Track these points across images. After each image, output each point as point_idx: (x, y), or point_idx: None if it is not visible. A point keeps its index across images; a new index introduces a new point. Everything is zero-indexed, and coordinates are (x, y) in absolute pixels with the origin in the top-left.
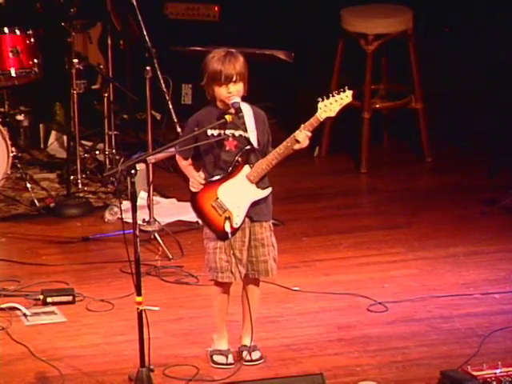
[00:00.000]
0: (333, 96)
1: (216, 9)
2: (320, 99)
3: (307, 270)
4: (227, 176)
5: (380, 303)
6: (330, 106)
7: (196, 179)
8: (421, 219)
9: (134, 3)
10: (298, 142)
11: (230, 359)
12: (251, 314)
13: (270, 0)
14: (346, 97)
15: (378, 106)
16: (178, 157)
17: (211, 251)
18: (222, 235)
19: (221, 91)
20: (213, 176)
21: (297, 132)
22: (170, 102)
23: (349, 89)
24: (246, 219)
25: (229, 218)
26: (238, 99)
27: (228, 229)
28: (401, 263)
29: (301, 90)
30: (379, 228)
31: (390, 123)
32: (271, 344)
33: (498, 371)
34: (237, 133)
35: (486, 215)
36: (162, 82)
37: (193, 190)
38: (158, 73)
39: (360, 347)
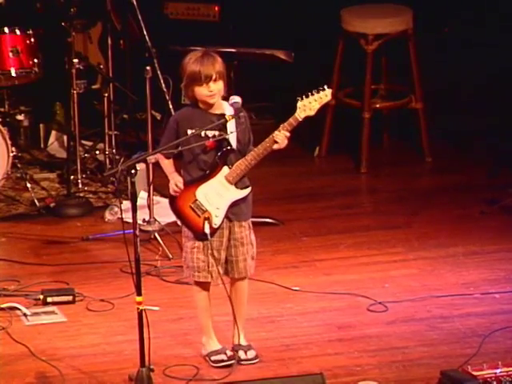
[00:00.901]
0: (312, 95)
1: (216, 9)
2: (299, 98)
3: (307, 269)
4: (206, 177)
5: (380, 303)
6: (309, 106)
7: (173, 186)
8: (421, 219)
9: (134, 3)
10: (276, 142)
11: (230, 354)
12: (240, 313)
13: (270, 0)
14: (325, 96)
15: (378, 105)
16: (159, 155)
17: (189, 250)
18: (201, 236)
19: (201, 91)
20: (192, 176)
21: (275, 132)
22: (170, 102)
23: (328, 87)
24: (225, 219)
25: (208, 219)
26: (238, 99)
27: (207, 230)
28: (401, 263)
29: (301, 90)
30: (379, 228)
31: (390, 123)
32: (271, 344)
33: (498, 371)
34: (217, 133)
35: (486, 215)
36: (162, 81)
37: (172, 193)
38: (158, 73)
39: (360, 347)
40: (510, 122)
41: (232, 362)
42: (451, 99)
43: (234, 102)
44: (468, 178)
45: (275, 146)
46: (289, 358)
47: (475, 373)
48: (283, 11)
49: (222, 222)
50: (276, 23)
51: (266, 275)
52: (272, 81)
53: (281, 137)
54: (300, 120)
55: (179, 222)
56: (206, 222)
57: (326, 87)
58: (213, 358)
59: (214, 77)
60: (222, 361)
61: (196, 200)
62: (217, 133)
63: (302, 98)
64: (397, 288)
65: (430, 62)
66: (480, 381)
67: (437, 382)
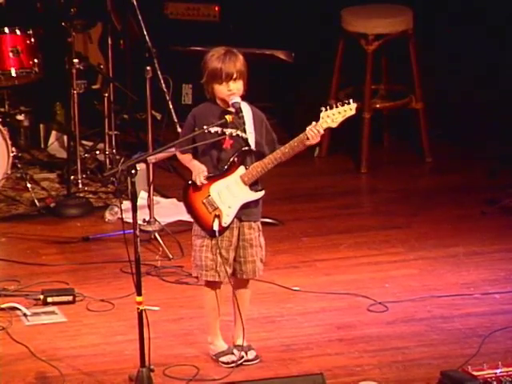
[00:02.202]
0: (336, 107)
1: (216, 9)
2: (323, 109)
3: (307, 269)
4: (221, 175)
5: (380, 303)
6: (332, 117)
7: (200, 175)
8: (421, 219)
9: (135, 3)
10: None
11: (238, 354)
12: (241, 314)
13: (270, 0)
14: (349, 109)
15: (378, 106)
16: (177, 152)
17: (197, 248)
18: (209, 232)
19: (221, 89)
20: (207, 173)
21: (305, 137)
22: (170, 102)
23: (354, 101)
24: (235, 219)
25: (218, 217)
26: (238, 99)
27: (216, 227)
28: (401, 263)
29: (301, 91)
30: (379, 228)
31: (391, 123)
32: (271, 344)
33: (498, 371)
34: (235, 132)
35: (486, 215)
36: (162, 81)
37: (198, 182)
38: (159, 73)
39: (360, 347)
40: (510, 121)
41: (242, 360)
42: (451, 100)
43: (235, 102)
44: (468, 179)
45: (308, 140)
46: (289, 358)
47: (475, 373)
48: (283, 11)
49: (232, 221)
50: (276, 23)
51: (266, 275)
52: (272, 81)
53: (298, 149)
54: (321, 131)
55: (189, 216)
56: (216, 220)
57: (351, 101)
58: (222, 359)
59: (234, 76)
60: (233, 362)
61: (209, 196)
62: (234, 131)
63: (327, 109)
64: (397, 288)
65: (430, 62)
66: (480, 381)
67: (437, 382)
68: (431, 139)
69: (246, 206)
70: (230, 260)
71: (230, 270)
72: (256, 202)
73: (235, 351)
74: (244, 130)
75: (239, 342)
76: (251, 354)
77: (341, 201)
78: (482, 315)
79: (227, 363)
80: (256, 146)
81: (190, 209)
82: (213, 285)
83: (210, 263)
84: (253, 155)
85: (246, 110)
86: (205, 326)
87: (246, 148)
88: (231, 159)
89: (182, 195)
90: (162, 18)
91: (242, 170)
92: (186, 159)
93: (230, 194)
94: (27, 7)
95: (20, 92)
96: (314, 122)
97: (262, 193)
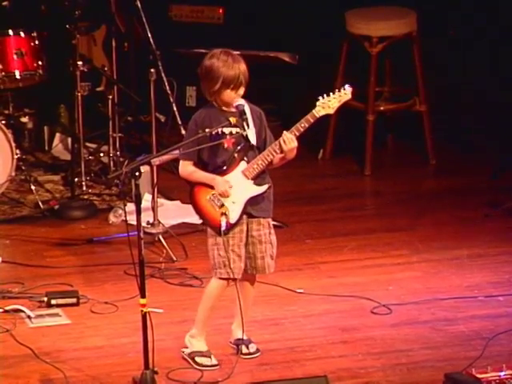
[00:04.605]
0: (333, 94)
1: (220, 11)
2: (320, 97)
3: (311, 272)
4: (224, 171)
5: (384, 305)
6: (328, 103)
7: (226, 188)
8: (425, 221)
9: (139, 5)
10: (284, 142)
11: (214, 360)
12: (241, 309)
13: (274, 2)
14: (344, 94)
15: (382, 108)
16: (184, 165)
17: (210, 247)
18: (218, 230)
19: (231, 94)
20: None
21: (287, 132)
22: (174, 105)
23: (349, 87)
24: (244, 216)
25: (225, 214)
26: (242, 101)
27: (224, 224)
28: (405, 265)
29: (305, 93)
30: (383, 230)
31: (394, 125)
32: (275, 346)
33: (502, 374)
34: (234, 130)
35: (490, 218)
36: (166, 84)
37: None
38: (163, 75)
39: (364, 349)
40: None
41: (216, 368)
42: (455, 101)
43: (239, 105)
44: (472, 181)
45: (282, 146)
46: (293, 361)
47: (479, 375)
48: (287, 13)
49: (241, 217)
50: (280, 25)
51: (270, 277)
52: (275, 83)
53: (286, 137)
54: (317, 117)
55: (198, 217)
56: (223, 217)
57: (346, 86)
58: (197, 358)
59: (245, 81)
60: (206, 365)
61: (214, 193)
62: (233, 130)
63: (323, 97)
64: (401, 290)
65: (434, 65)
66: (484, 383)
67: None
68: (435, 141)
69: (255, 202)
70: (243, 257)
71: (242, 267)
72: (264, 197)
73: (213, 358)
74: (243, 128)
75: (239, 335)
76: (252, 348)
77: (345, 203)
78: (485, 317)
79: (201, 365)
80: (257, 141)
81: (197, 208)
82: (224, 284)
83: (222, 260)
84: (255, 150)
85: (245, 107)
86: (209, 328)
87: (245, 143)
88: (232, 155)
89: (189, 196)
90: (166, 20)
91: (243, 165)
92: (191, 171)
93: (234, 189)
94: (32, 9)
95: (24, 94)
96: (296, 124)
97: (266, 187)
